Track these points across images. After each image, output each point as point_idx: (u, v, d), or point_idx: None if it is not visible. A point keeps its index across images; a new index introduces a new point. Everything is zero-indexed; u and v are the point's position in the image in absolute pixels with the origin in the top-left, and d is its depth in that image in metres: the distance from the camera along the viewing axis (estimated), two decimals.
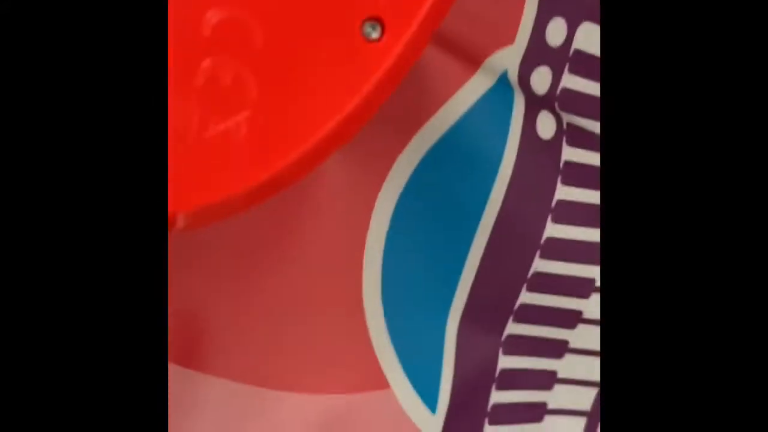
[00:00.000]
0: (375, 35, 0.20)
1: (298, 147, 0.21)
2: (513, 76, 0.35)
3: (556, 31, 0.36)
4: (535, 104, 0.36)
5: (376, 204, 0.34)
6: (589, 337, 0.39)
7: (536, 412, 0.39)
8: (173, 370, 0.33)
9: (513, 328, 0.37)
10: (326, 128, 0.20)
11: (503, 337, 0.37)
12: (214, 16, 0.20)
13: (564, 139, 0.37)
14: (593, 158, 0.37)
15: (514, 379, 0.39)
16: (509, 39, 0.35)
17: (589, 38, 0.36)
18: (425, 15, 0.20)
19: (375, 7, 0.20)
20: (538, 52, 0.36)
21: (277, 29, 0.21)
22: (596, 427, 0.40)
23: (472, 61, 0.34)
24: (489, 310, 0.37)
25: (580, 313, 0.38)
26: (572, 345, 0.39)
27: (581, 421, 0.40)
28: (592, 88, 0.37)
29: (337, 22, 0.21)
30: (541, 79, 0.36)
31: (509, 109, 0.35)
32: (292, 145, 0.21)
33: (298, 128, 0.21)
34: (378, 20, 0.20)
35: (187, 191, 0.21)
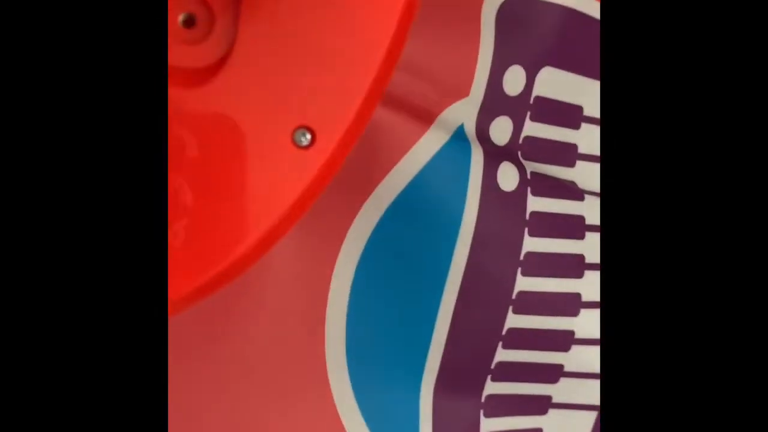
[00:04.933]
0: (306, 142, 0.23)
1: (233, 252, 0.23)
2: (470, 129, 0.38)
3: (514, 80, 0.38)
4: (495, 156, 0.38)
5: (334, 272, 0.36)
6: (573, 390, 0.41)
7: None
8: None
9: (492, 387, 0.39)
10: (259, 232, 0.24)
11: (483, 399, 0.39)
12: None
13: (528, 189, 0.39)
14: (560, 206, 0.40)
15: None
16: (464, 92, 0.37)
17: (550, 83, 0.39)
18: (353, 120, 0.23)
19: (305, 116, 0.23)
20: (496, 103, 0.38)
21: (211, 139, 0.24)
22: None
23: (425, 117, 0.36)
24: (465, 371, 0.39)
25: (561, 366, 0.41)
26: (556, 399, 0.41)
27: None
28: (556, 133, 0.40)
29: (270, 131, 0.24)
30: (500, 130, 0.38)
31: (467, 164, 0.37)
32: (227, 251, 0.23)
33: (233, 233, 0.23)
34: (308, 129, 0.24)
35: None
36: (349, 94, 0.24)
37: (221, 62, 0.24)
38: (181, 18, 0.23)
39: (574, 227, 0.41)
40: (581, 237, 0.41)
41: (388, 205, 0.37)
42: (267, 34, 0.24)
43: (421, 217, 0.37)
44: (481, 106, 0.38)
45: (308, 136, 0.24)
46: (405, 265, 0.38)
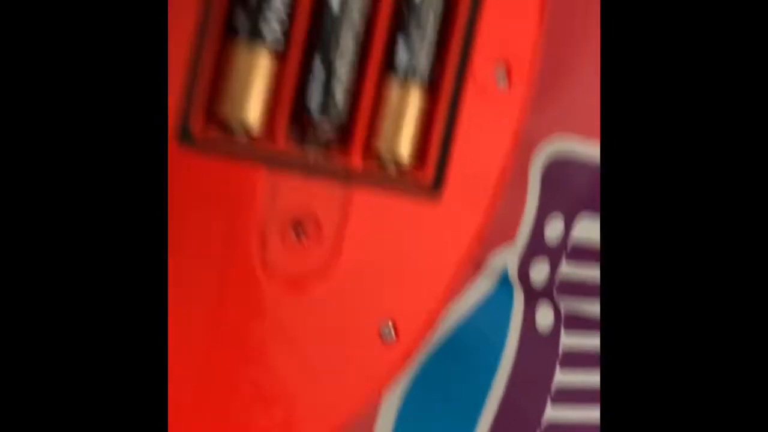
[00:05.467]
0: (390, 338, 0.27)
1: None
2: (513, 272, 0.40)
3: (553, 228, 0.41)
4: (534, 298, 0.41)
5: (381, 401, 0.39)
6: None
7: None
8: None
9: None
10: (337, 425, 0.27)
11: None
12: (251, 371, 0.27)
13: (562, 327, 0.42)
14: (588, 342, 0.43)
15: None
16: (510, 236, 0.40)
17: (586, 230, 0.42)
18: (432, 316, 0.27)
19: (391, 312, 0.27)
20: (536, 248, 0.41)
21: (304, 336, 0.26)
22: None
23: (476, 264, 0.39)
24: None
25: None
26: None
27: None
28: (588, 271, 0.43)
29: (359, 326, 0.27)
30: (539, 272, 0.41)
31: (509, 307, 0.40)
32: None
33: (315, 426, 0.27)
34: (393, 324, 0.27)
35: None
36: (427, 301, 0.27)
37: (323, 269, 0.27)
38: (292, 229, 0.27)
39: (598, 360, 0.44)
40: None
41: (434, 348, 0.39)
42: (366, 245, 0.27)
43: (463, 359, 0.40)
44: (523, 251, 0.41)
45: (393, 332, 0.27)
46: (448, 398, 0.40)
